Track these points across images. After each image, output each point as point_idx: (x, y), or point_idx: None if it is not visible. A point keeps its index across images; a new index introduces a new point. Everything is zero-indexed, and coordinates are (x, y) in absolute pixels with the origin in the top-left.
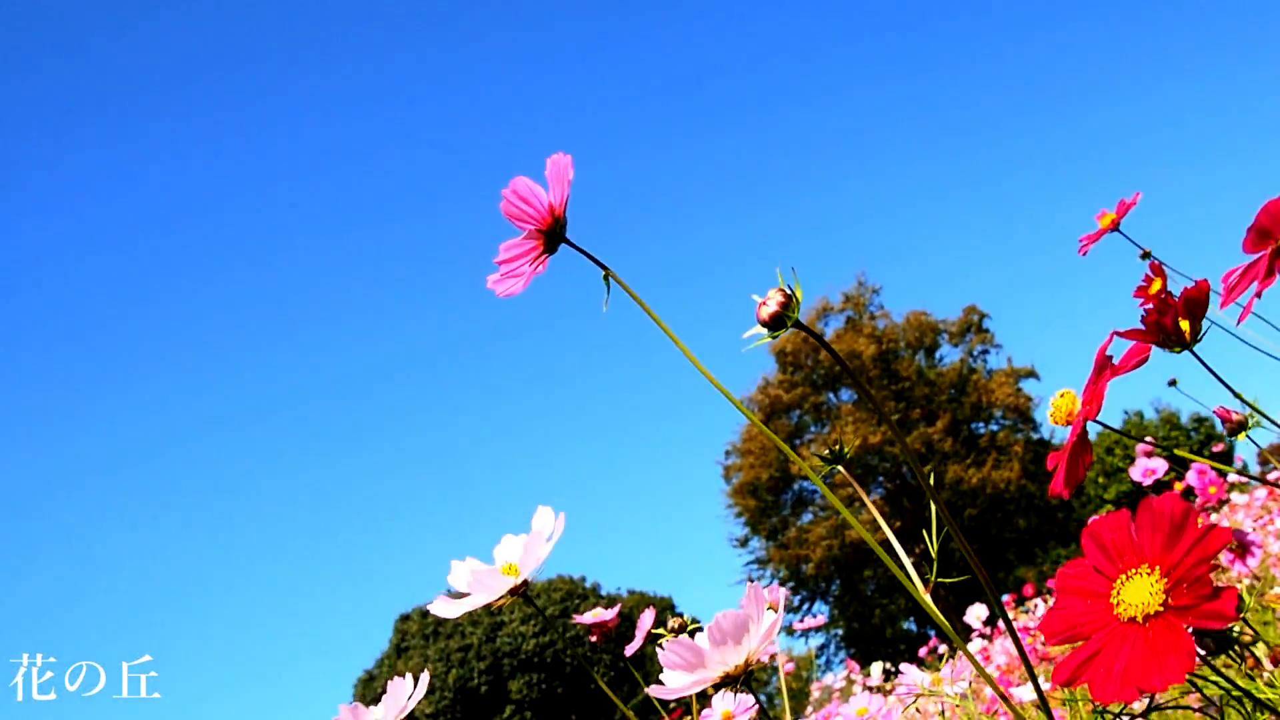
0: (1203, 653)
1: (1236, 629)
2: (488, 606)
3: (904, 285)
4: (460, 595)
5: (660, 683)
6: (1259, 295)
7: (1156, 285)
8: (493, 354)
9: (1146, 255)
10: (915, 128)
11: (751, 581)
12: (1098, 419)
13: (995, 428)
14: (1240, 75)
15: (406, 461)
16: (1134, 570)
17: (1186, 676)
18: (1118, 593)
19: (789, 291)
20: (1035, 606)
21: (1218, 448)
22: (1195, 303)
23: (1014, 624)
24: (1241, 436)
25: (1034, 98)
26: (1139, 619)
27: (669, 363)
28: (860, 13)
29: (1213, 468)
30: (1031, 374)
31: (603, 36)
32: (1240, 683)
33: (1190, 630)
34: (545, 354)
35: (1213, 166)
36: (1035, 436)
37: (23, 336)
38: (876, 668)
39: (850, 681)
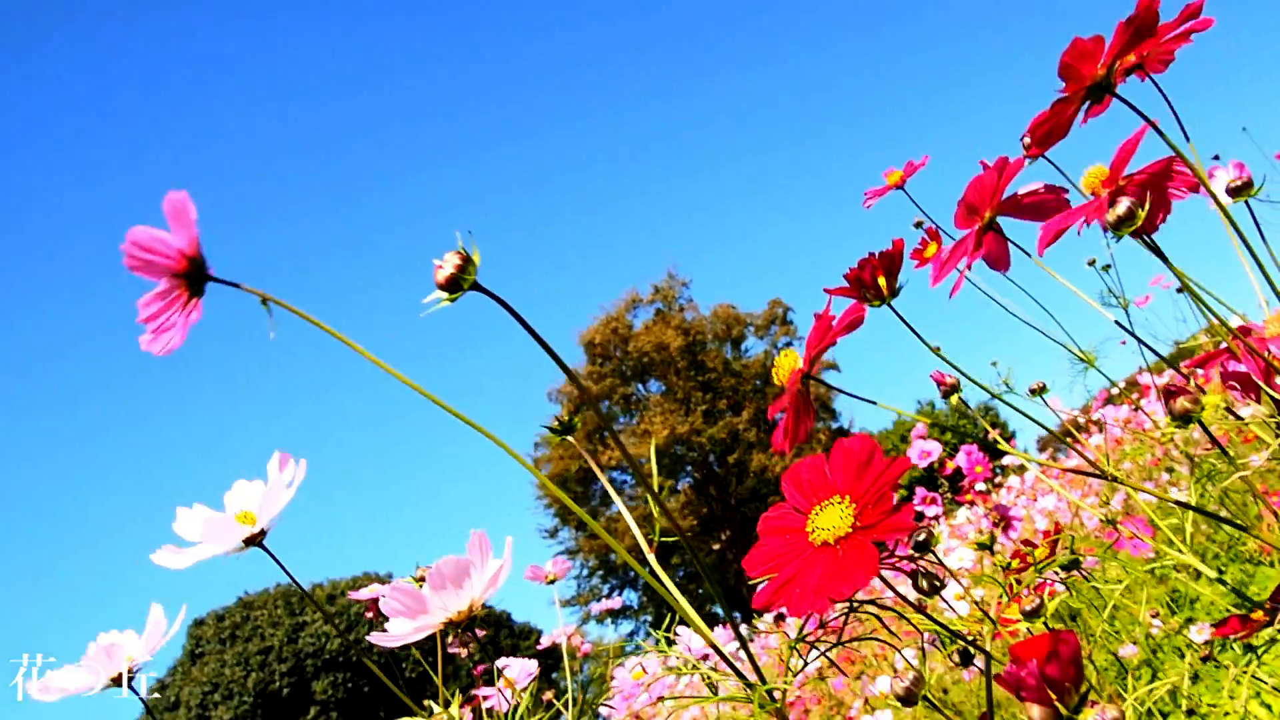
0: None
1: (940, 576)
2: (289, 608)
3: (712, 279)
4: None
5: (385, 631)
6: (969, 268)
7: (932, 249)
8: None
9: (920, 225)
10: (725, 124)
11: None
12: (814, 375)
13: None
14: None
15: (210, 473)
16: (827, 501)
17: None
18: (812, 522)
19: (466, 254)
20: None
21: (994, 434)
22: (890, 259)
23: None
24: (954, 399)
25: (844, 99)
26: (831, 541)
27: (490, 354)
28: (673, 17)
29: (981, 450)
30: (832, 366)
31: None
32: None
33: (906, 573)
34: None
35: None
36: (835, 425)
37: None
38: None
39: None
